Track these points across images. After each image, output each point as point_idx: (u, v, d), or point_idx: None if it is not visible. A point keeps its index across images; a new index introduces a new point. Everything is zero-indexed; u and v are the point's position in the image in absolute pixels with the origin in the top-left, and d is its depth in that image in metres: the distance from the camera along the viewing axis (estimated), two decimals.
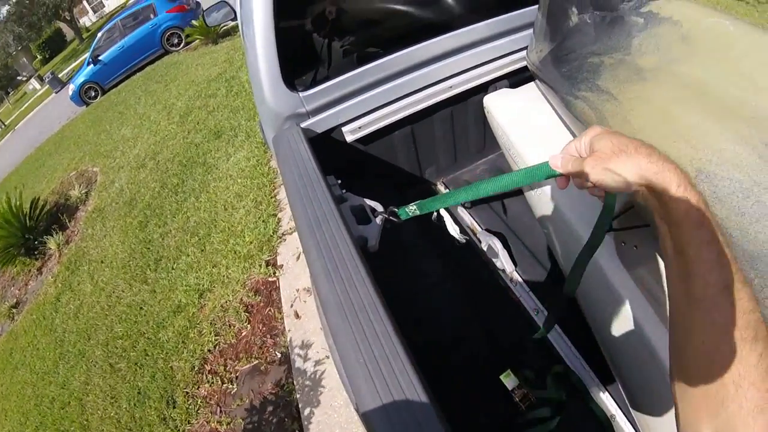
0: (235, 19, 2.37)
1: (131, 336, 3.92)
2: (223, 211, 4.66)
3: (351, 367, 0.85)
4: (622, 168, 0.61)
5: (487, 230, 2.17)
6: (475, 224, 2.25)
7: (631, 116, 0.99)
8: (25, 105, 24.52)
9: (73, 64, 24.24)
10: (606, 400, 1.59)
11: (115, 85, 13.43)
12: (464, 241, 1.90)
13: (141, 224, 5.29)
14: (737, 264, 0.54)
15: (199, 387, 3.17)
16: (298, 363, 2.89)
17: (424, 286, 2.14)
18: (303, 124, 1.75)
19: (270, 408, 2.79)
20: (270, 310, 3.38)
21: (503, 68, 2.02)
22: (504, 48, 1.97)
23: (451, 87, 1.97)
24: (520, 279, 1.99)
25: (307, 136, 1.58)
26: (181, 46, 13.02)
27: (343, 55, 2.05)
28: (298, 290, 3.38)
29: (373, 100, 1.85)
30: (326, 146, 1.80)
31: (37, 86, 27.82)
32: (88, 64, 13.28)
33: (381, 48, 1.92)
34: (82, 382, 3.82)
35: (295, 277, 3.52)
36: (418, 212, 1.17)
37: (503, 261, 2.00)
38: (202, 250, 4.31)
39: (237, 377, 3.09)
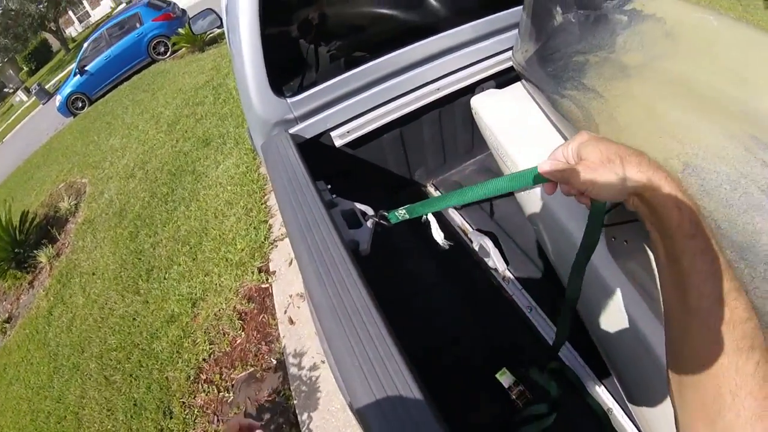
0: (221, 26, 2.36)
1: (125, 347, 3.89)
2: (213, 219, 4.64)
3: (346, 370, 0.85)
4: (610, 178, 0.59)
5: (478, 230, 2.18)
6: (466, 224, 2.27)
7: (617, 113, 0.99)
8: (12, 117, 24.25)
9: (60, 75, 24.07)
10: (602, 394, 1.60)
11: (102, 96, 13.33)
12: (448, 246, 1.90)
13: (131, 235, 5.25)
14: (733, 271, 0.54)
15: (195, 396, 3.15)
16: (294, 369, 2.89)
17: (416, 288, 2.14)
18: (291, 130, 1.75)
19: (267, 415, 2.77)
20: (264, 316, 3.36)
21: (490, 69, 2.03)
22: (490, 49, 1.98)
23: (438, 89, 1.98)
24: (512, 277, 2.00)
25: (295, 142, 1.59)
26: (168, 54, 12.96)
27: (330, 60, 2.05)
28: (291, 296, 3.37)
29: (361, 104, 1.86)
30: (315, 151, 1.80)
31: (24, 98, 27.57)
32: (75, 74, 13.18)
33: (368, 52, 1.92)
34: (77, 396, 3.78)
35: (288, 283, 3.51)
36: (407, 216, 1.18)
37: (495, 260, 2.01)
38: (194, 259, 4.29)
39: (233, 385, 3.07)
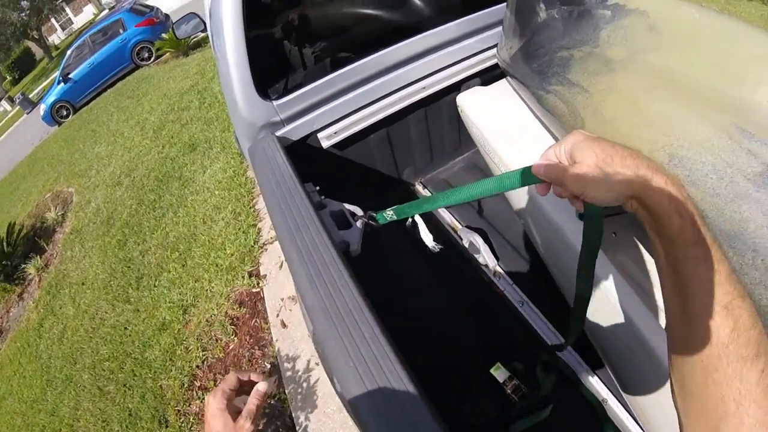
0: (205, 30, 2.34)
1: (118, 357, 3.85)
2: (202, 224, 4.61)
3: (341, 370, 0.85)
4: (605, 181, 0.57)
5: (468, 227, 2.19)
6: (456, 221, 2.28)
7: (602, 107, 1.00)
8: None
9: (44, 84, 23.80)
10: (596, 384, 1.62)
11: (87, 103, 13.19)
12: (438, 249, 1.90)
13: (120, 243, 5.20)
14: (736, 276, 0.52)
15: (190, 404, 3.12)
16: (288, 372, 2.88)
17: (407, 287, 2.15)
18: (278, 133, 1.75)
19: (264, 419, 2.76)
20: (256, 321, 3.34)
21: (475, 67, 2.04)
22: (474, 47, 1.99)
23: (424, 88, 1.99)
24: (503, 273, 2.01)
25: (282, 145, 1.58)
26: (152, 60, 12.87)
27: (315, 62, 2.05)
28: (283, 299, 3.35)
29: (347, 105, 1.86)
30: (303, 153, 1.80)
31: (8, 108, 27.19)
32: (59, 82, 13.03)
33: (352, 53, 1.92)
34: (71, 408, 3.73)
35: (279, 286, 3.49)
36: (395, 217, 1.17)
37: (485, 256, 2.02)
38: (184, 266, 4.26)
39: None
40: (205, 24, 2.31)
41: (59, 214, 6.86)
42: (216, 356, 3.29)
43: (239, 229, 4.23)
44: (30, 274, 5.90)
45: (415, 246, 2.19)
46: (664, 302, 0.58)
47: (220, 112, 6.79)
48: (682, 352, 0.54)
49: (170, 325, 3.76)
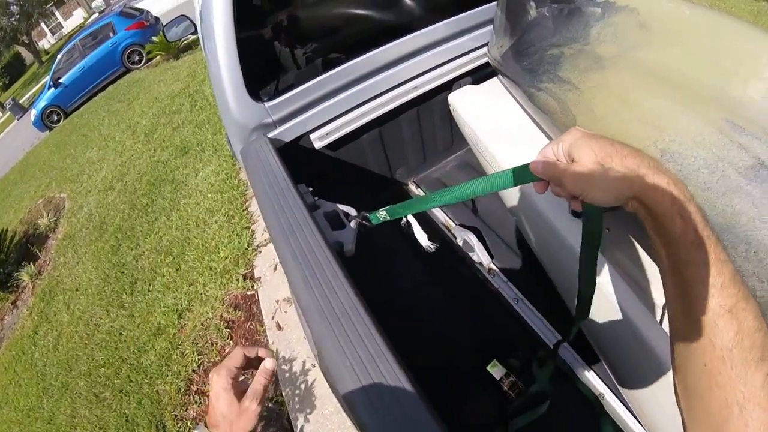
0: (195, 32, 2.33)
1: (113, 363, 3.83)
2: (195, 227, 4.59)
3: (338, 370, 0.85)
4: (605, 182, 0.56)
5: (462, 225, 2.19)
6: (449, 220, 2.29)
7: (593, 104, 1.00)
8: None
9: (34, 89, 23.63)
10: (593, 379, 1.63)
11: (78, 108, 13.10)
12: (433, 249, 1.91)
13: (113, 248, 5.17)
14: (740, 277, 0.51)
15: (187, 409, 3.11)
16: (285, 374, 2.87)
17: (403, 286, 2.16)
18: (270, 134, 1.74)
19: (262, 422, 2.75)
20: (251, 324, 3.33)
21: (466, 65, 2.04)
22: (465, 46, 1.99)
23: (415, 87, 1.99)
24: (497, 270, 2.02)
25: (275, 146, 1.58)
26: (143, 63, 12.80)
27: (307, 63, 2.05)
28: (278, 301, 3.34)
29: (338, 105, 1.85)
30: (295, 155, 1.80)
31: None
32: (49, 87, 12.96)
33: (343, 53, 1.92)
34: (68, 416, 3.70)
35: (273, 288, 3.48)
36: (388, 217, 1.17)
37: (479, 254, 2.03)
38: (177, 270, 4.24)
39: None
40: (195, 26, 2.32)
41: (51, 220, 6.82)
42: (212, 360, 3.28)
43: (233, 231, 4.22)
44: (23, 281, 5.86)
45: (410, 245, 2.19)
46: (667, 304, 0.58)
47: (212, 114, 6.76)
48: (685, 354, 0.53)
49: (165, 329, 3.74)
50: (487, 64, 1.75)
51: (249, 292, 3.59)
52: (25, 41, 30.62)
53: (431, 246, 1.73)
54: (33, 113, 13.42)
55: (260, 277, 3.66)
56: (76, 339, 4.36)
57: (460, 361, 1.90)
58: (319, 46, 2.10)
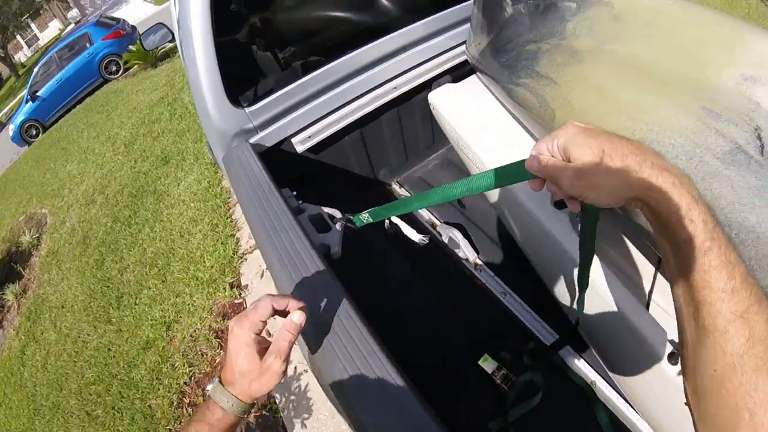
0: (173, 40, 2.33)
1: (104, 380, 3.77)
2: (179, 238, 4.55)
3: (330, 373, 0.85)
4: (606, 183, 0.53)
5: (446, 223, 2.22)
6: (434, 218, 2.31)
7: (571, 97, 1.01)
8: None
9: (12, 103, 23.32)
10: (584, 367, 1.65)
11: (56, 121, 12.90)
12: (426, 241, 1.91)
13: (97, 262, 5.10)
14: (752, 279, 0.48)
15: (180, 422, 3.07)
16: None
17: (391, 287, 2.16)
18: (252, 140, 1.74)
19: (257, 431, 2.73)
20: None
21: (445, 64, 2.06)
22: (444, 44, 2.01)
23: (395, 87, 2.00)
24: (483, 265, 2.03)
25: (257, 152, 1.58)
26: (120, 73, 12.65)
27: (286, 67, 2.06)
28: None
29: (319, 108, 1.86)
30: (278, 159, 1.80)
31: None
32: (27, 101, 12.73)
33: (322, 56, 1.93)
34: None
35: (261, 295, 3.42)
36: (371, 220, 1.17)
37: (465, 250, 2.04)
38: (163, 281, 4.19)
39: None
40: (172, 34, 2.32)
41: (34, 236, 6.71)
42: (203, 371, 3.25)
43: (217, 240, 4.19)
44: (8, 300, 5.76)
45: (396, 246, 2.20)
46: (675, 307, 0.55)
47: (192, 122, 6.72)
48: (694, 359, 0.51)
49: (154, 342, 3.70)
50: (465, 62, 1.76)
51: (237, 301, 3.56)
52: (1, 55, 30.23)
53: (423, 239, 1.73)
54: (11, 128, 13.17)
55: (247, 285, 3.64)
56: (64, 357, 4.29)
57: (451, 358, 1.92)
58: (298, 49, 2.11)
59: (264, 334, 0.80)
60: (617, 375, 1.38)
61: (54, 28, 39.81)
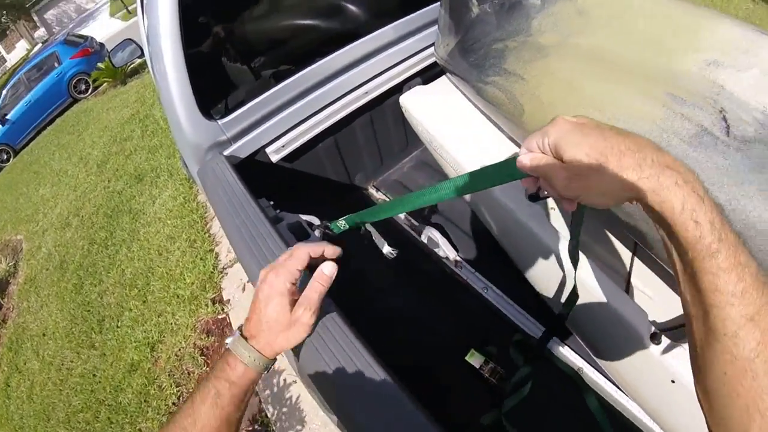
0: (142, 55, 2.32)
1: (91, 406, 3.68)
2: (158, 256, 4.48)
3: (318, 380, 0.85)
4: (602, 184, 0.50)
5: (424, 222, 2.24)
6: (411, 219, 2.33)
7: (539, 92, 1.04)
8: None
9: None
10: (570, 355, 1.68)
11: (27, 144, 12.64)
12: (394, 255, 1.91)
13: (76, 287, 4.99)
14: (763, 278, 0.45)
15: None
16: (267, 392, 2.83)
17: (373, 290, 2.18)
18: (226, 152, 1.73)
19: None
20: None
21: (414, 67, 2.09)
22: (413, 47, 2.04)
23: (366, 92, 2.01)
24: (463, 262, 2.05)
25: (231, 163, 1.58)
26: (90, 92, 12.48)
27: (257, 77, 2.06)
28: None
29: (291, 117, 1.86)
30: (253, 170, 1.79)
31: None
32: None
33: (293, 64, 1.92)
34: None
35: (244, 309, 3.42)
36: (347, 226, 1.17)
37: (444, 249, 2.06)
38: (144, 302, 4.12)
39: None
40: (141, 49, 2.30)
41: (10, 264, 6.55)
42: (190, 390, 3.19)
43: (196, 256, 4.14)
44: None
45: (375, 249, 2.20)
46: (683, 311, 0.53)
47: (164, 138, 6.65)
48: (703, 362, 0.49)
49: (139, 365, 3.63)
50: (435, 63, 1.79)
51: (220, 316, 3.52)
52: None
53: (392, 253, 1.73)
54: None
55: (229, 299, 3.60)
56: (50, 386, 4.18)
57: (438, 356, 1.92)
58: (268, 59, 2.11)
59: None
60: (604, 360, 1.40)
61: (21, 48, 39.00)
